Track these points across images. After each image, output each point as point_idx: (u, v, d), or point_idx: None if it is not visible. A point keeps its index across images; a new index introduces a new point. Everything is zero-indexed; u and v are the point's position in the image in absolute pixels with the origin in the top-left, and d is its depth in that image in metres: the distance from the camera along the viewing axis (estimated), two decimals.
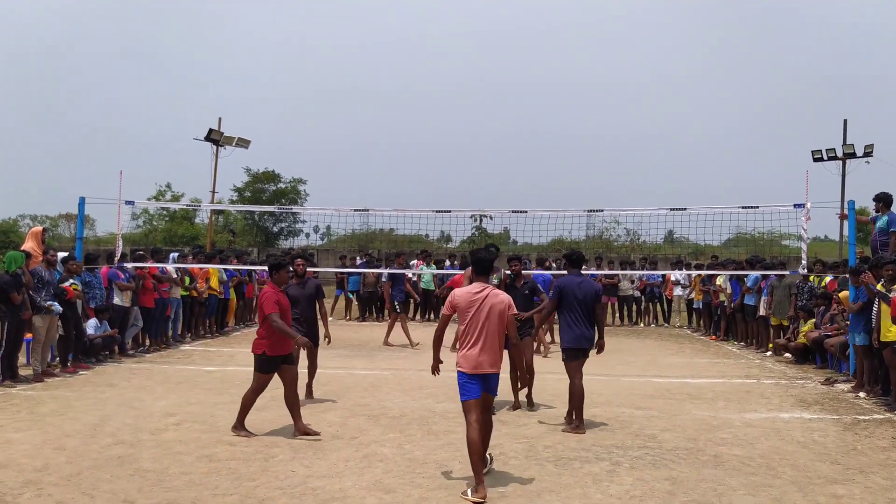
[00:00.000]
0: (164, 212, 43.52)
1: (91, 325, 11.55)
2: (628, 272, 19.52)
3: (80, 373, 10.61)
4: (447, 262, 20.78)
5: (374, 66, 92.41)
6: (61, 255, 11.78)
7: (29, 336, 10.47)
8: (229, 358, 12.10)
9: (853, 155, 30.19)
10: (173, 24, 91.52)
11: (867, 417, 8.40)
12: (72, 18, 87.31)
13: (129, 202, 14.07)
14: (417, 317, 20.12)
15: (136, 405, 8.45)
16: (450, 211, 14.15)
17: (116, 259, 12.87)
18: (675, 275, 19.08)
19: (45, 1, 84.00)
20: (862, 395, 9.59)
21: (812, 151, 30.73)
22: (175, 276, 13.79)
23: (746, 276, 14.60)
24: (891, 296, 8.86)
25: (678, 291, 19.28)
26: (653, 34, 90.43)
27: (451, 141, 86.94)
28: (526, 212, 13.91)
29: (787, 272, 13.78)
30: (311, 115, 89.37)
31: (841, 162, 30.57)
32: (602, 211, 15.37)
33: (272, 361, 7.24)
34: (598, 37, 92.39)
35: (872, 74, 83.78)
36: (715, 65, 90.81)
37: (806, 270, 12.71)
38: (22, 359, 10.59)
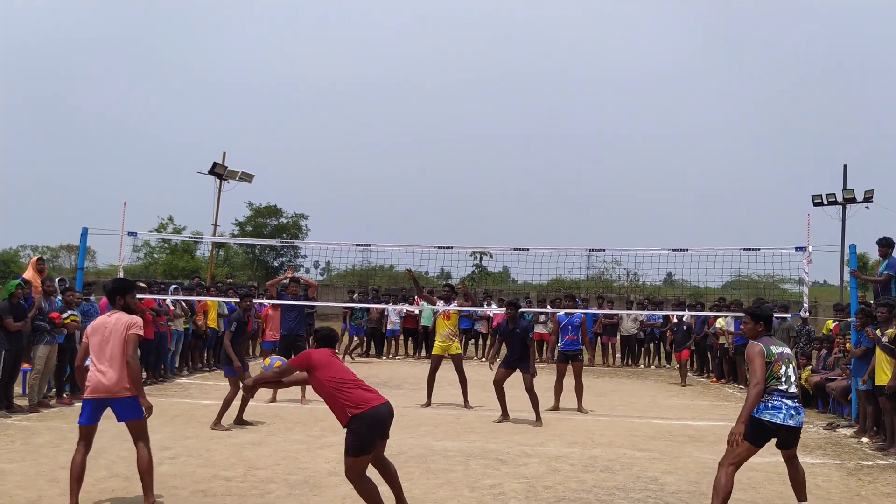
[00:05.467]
0: (165, 244, 43.57)
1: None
2: (632, 312, 19.46)
3: (76, 404, 10.52)
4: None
5: (378, 104, 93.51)
6: (55, 281, 11.76)
7: (26, 367, 10.41)
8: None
9: (853, 200, 30.32)
10: (179, 56, 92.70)
11: (870, 463, 8.31)
12: (77, 49, 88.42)
13: (131, 233, 14.09)
14: (420, 352, 20.00)
15: (131, 438, 8.34)
16: (451, 247, 14.14)
17: None
18: (677, 316, 18.99)
19: (50, 37, 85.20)
20: (865, 440, 9.50)
21: (812, 196, 30.89)
22: (174, 308, 13.75)
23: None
24: (883, 339, 8.85)
25: None
26: (658, 85, 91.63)
27: (454, 178, 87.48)
28: (528, 249, 13.90)
29: (788, 315, 13.74)
30: (314, 151, 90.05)
31: (841, 207, 30.68)
32: (604, 250, 15.37)
33: None
34: (605, 90, 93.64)
35: (873, 120, 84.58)
36: (716, 108, 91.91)
37: (807, 314, 12.67)
38: (18, 389, 10.51)
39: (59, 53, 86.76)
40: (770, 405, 5.68)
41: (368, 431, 5.28)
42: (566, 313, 11.81)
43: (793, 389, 5.78)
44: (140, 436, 5.88)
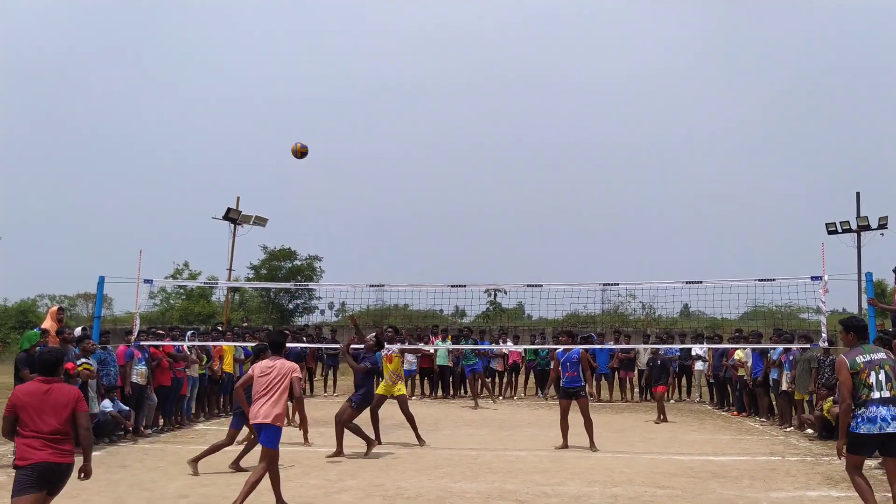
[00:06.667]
0: (181, 290, 43.84)
1: (108, 405, 11.51)
2: (649, 346, 19.31)
3: (95, 453, 10.50)
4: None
5: (389, 143, 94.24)
6: (77, 330, 11.86)
7: None
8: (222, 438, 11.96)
9: (868, 227, 30.14)
10: (192, 103, 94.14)
11: None
12: (90, 93, 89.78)
13: (147, 281, 14.20)
14: (437, 392, 19.88)
15: (148, 486, 8.34)
16: (465, 286, 14.17)
17: (133, 337, 12.93)
18: (695, 349, 18.84)
19: (60, 82, 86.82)
20: None
21: (826, 224, 30.73)
22: (190, 354, 13.79)
23: (773, 349, 14.36)
24: None
25: (699, 366, 19.00)
26: (681, 100, 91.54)
27: (465, 215, 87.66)
28: (541, 286, 13.90)
29: (808, 346, 13.58)
30: (327, 193, 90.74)
31: (856, 234, 30.50)
32: (618, 284, 15.32)
33: None
34: (615, 104, 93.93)
35: (884, 146, 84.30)
36: (726, 136, 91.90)
37: (827, 344, 12.52)
38: None
39: (71, 96, 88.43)
40: (866, 417, 6.04)
41: (26, 482, 5.28)
42: (564, 349, 11.67)
43: (886, 394, 6.08)
44: (264, 458, 7.20)
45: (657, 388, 15.66)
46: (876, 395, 6.04)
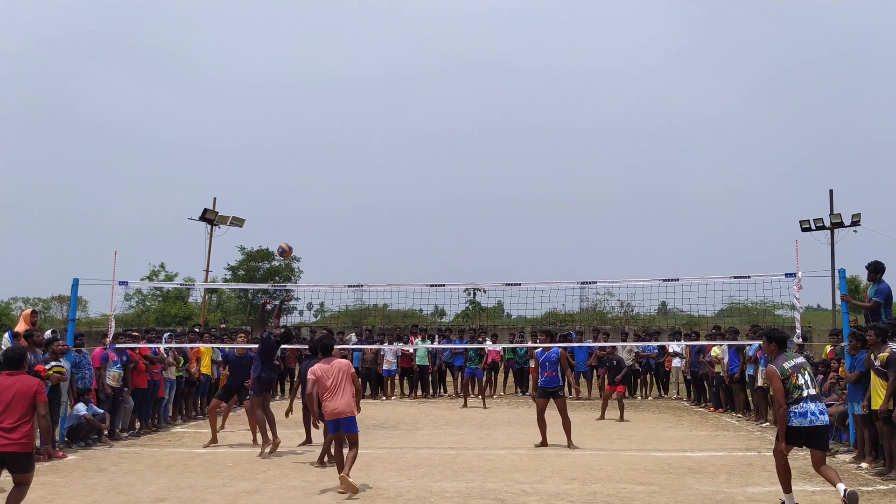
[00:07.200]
0: (158, 292, 43.40)
1: (82, 408, 11.37)
2: (627, 344, 19.46)
3: (70, 457, 10.39)
4: (437, 338, 20.66)
5: (367, 143, 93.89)
6: (46, 333, 11.66)
7: None
8: (221, 439, 11.88)
9: (841, 224, 30.50)
10: (166, 102, 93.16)
11: (870, 489, 8.27)
12: (67, 97, 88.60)
13: (122, 283, 14.02)
14: (416, 392, 19.87)
15: (125, 490, 8.26)
16: (443, 285, 14.16)
17: (108, 340, 12.78)
18: (672, 346, 19.00)
19: (39, 89, 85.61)
20: (864, 465, 9.45)
21: (800, 221, 31.09)
22: (167, 356, 13.65)
23: (748, 345, 14.50)
24: (876, 363, 8.87)
25: (676, 363, 19.17)
26: (657, 99, 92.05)
27: (444, 215, 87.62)
28: (520, 284, 13.92)
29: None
30: (304, 194, 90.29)
31: (829, 231, 30.87)
32: (595, 283, 15.39)
33: None
34: (592, 102, 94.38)
35: (857, 144, 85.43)
36: (702, 136, 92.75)
37: (801, 340, 12.68)
38: None
39: (44, 96, 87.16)
40: (798, 413, 6.84)
41: None
42: (543, 349, 11.68)
43: (812, 392, 6.90)
44: (353, 443, 8.21)
45: (616, 387, 15.25)
46: (805, 393, 6.86)
